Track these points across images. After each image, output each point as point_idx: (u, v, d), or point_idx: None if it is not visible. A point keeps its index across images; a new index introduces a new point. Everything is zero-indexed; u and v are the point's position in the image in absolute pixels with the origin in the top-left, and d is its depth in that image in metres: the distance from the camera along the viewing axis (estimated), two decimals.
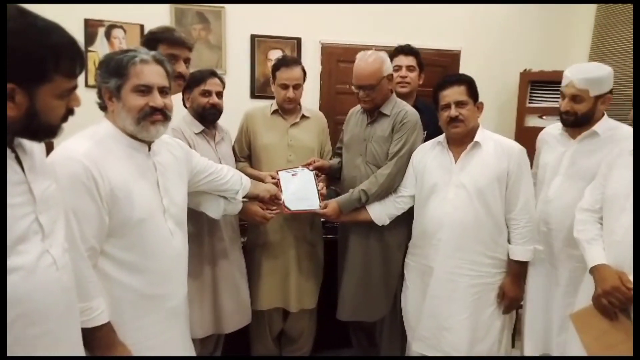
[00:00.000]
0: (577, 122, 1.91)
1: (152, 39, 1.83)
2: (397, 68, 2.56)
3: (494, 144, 1.89)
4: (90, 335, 1.23)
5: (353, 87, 2.22)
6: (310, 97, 3.88)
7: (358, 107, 2.38)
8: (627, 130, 1.85)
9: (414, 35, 3.91)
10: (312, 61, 3.85)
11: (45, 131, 0.96)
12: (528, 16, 4.08)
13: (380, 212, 2.10)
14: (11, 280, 0.90)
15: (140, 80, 1.35)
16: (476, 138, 1.89)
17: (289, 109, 2.39)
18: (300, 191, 2.19)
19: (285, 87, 2.31)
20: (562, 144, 1.98)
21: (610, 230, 1.61)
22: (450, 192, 1.87)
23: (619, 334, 1.54)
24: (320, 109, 3.88)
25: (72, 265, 1.17)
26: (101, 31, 3.45)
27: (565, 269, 1.91)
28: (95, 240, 1.27)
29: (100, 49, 3.43)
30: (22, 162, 0.96)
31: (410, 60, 2.57)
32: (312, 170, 2.26)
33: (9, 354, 0.89)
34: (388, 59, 2.22)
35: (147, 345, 1.38)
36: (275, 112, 2.41)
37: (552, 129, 2.06)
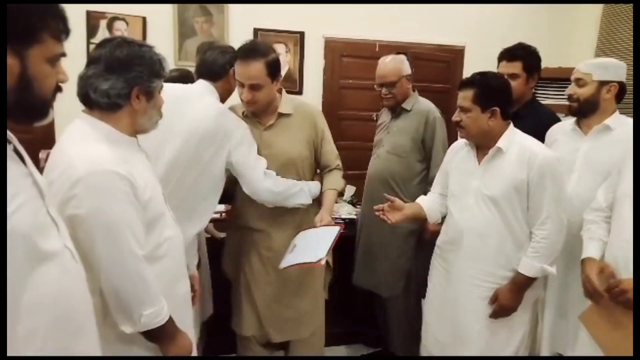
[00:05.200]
0: (581, 110, 1.88)
1: None
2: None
3: (518, 150, 1.74)
4: (157, 331, 1.27)
5: (376, 87, 2.42)
6: (313, 92, 3.87)
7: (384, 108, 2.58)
8: None
9: (418, 30, 3.90)
10: (315, 56, 3.83)
11: (39, 107, 0.93)
12: (533, 12, 4.05)
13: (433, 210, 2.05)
14: (47, 277, 0.88)
15: (162, 82, 1.37)
16: (499, 143, 1.76)
17: (250, 112, 1.98)
18: (311, 244, 1.84)
19: (241, 85, 1.90)
20: (575, 140, 1.94)
21: (619, 229, 1.60)
22: (471, 199, 1.81)
23: (627, 329, 1.52)
24: (323, 104, 3.87)
25: (135, 274, 1.21)
26: (103, 23, 3.43)
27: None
28: (144, 245, 1.27)
29: None
30: (21, 154, 0.95)
31: (513, 67, 2.21)
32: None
33: (45, 354, 0.88)
34: (407, 62, 2.39)
35: None
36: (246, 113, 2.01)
37: (563, 125, 2.03)
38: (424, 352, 2.05)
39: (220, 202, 2.03)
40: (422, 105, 2.41)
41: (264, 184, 1.92)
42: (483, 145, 1.81)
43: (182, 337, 1.35)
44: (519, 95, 2.20)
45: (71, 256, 0.99)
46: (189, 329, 1.48)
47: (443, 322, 1.92)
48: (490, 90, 1.75)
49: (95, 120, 1.27)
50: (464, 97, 1.77)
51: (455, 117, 1.80)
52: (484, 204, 1.77)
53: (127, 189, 1.21)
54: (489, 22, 3.96)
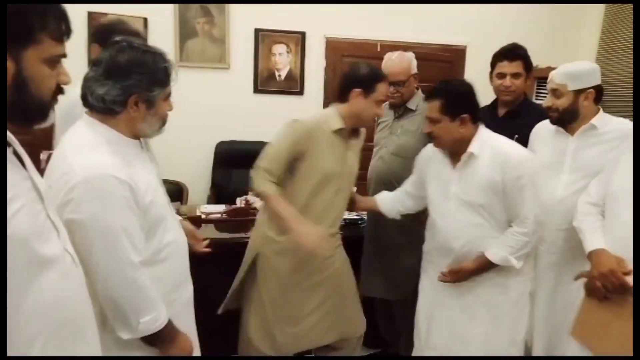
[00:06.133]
0: (560, 119, 1.88)
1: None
2: (500, 76, 2.24)
3: (491, 153, 1.74)
4: (156, 336, 1.26)
5: None
6: (314, 93, 3.87)
7: (386, 104, 2.44)
8: (631, 126, 1.81)
9: (420, 30, 3.89)
10: (316, 56, 3.83)
11: (37, 109, 0.90)
12: (536, 12, 4.04)
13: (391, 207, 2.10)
14: (47, 282, 0.87)
15: (170, 89, 1.33)
16: (471, 148, 1.76)
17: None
18: None
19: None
20: (561, 141, 1.93)
21: (611, 226, 1.59)
22: (451, 204, 1.82)
23: (623, 319, 1.50)
24: (325, 104, 3.87)
25: (131, 282, 1.19)
26: None
27: (573, 270, 1.90)
28: (143, 251, 1.26)
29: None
30: (22, 157, 0.94)
31: (515, 67, 2.21)
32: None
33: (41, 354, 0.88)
34: (415, 60, 2.33)
35: None
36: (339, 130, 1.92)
37: (546, 125, 2.01)
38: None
39: (220, 202, 2.01)
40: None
41: None
42: (456, 151, 1.80)
43: (182, 339, 1.34)
44: (520, 94, 2.26)
45: (71, 260, 0.98)
46: (192, 332, 1.47)
47: (438, 327, 1.91)
48: (456, 99, 1.75)
49: (96, 123, 1.25)
50: (432, 108, 1.76)
51: (426, 129, 1.81)
52: (465, 208, 1.78)
53: (126, 194, 1.19)
54: (491, 22, 3.95)
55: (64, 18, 0.92)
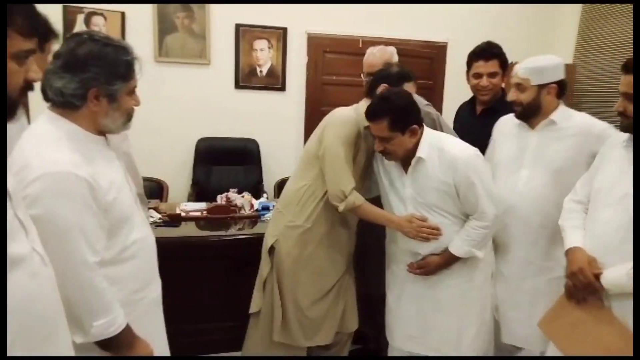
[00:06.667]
0: (524, 113, 1.91)
1: None
2: (477, 76, 2.24)
3: (438, 155, 1.77)
4: (111, 341, 1.22)
5: (363, 76, 2.32)
6: (296, 89, 3.85)
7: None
8: (600, 125, 1.85)
9: (401, 26, 3.90)
10: (298, 52, 3.81)
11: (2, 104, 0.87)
12: (516, 9, 4.09)
13: None
14: (14, 282, 0.84)
15: (135, 83, 1.29)
16: (419, 153, 1.78)
17: None
18: None
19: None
20: (522, 136, 1.97)
21: (591, 224, 1.61)
22: (410, 206, 1.85)
23: (592, 320, 1.52)
24: (307, 100, 3.86)
25: (85, 283, 1.15)
26: (80, 19, 3.35)
27: (537, 263, 1.94)
28: (102, 251, 1.22)
29: None
30: None
31: (492, 66, 2.21)
32: None
33: None
34: (396, 55, 2.33)
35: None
36: None
37: (509, 119, 2.04)
38: (395, 353, 2.08)
39: (201, 199, 1.99)
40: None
41: None
42: (409, 156, 1.82)
43: (140, 346, 1.28)
44: (497, 91, 2.28)
45: (40, 260, 0.95)
46: (159, 332, 1.45)
47: (411, 319, 1.96)
48: (402, 113, 1.74)
49: (58, 118, 1.21)
50: (380, 128, 1.74)
51: (378, 148, 1.81)
52: (423, 210, 1.82)
53: (84, 192, 1.16)
54: (472, 19, 3.98)
55: (32, 13, 0.90)
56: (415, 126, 1.76)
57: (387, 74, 1.96)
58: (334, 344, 2.16)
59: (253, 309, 2.08)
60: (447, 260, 1.84)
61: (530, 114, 1.90)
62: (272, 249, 2.01)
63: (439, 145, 1.79)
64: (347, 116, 1.93)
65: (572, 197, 1.74)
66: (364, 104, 1.92)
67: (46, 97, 1.22)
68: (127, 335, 1.25)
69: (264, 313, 2.05)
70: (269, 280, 2.03)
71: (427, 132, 1.84)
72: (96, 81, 1.20)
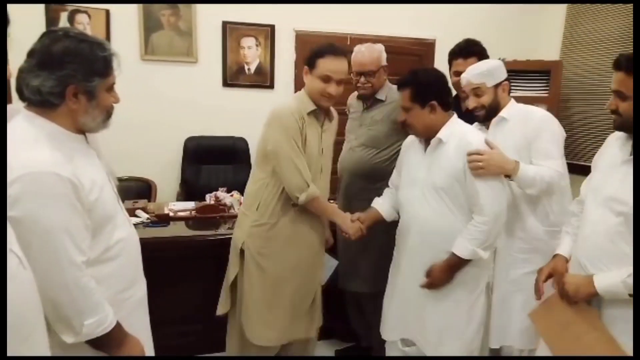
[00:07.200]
0: (489, 115, 1.99)
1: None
2: (457, 74, 2.23)
3: (458, 140, 1.80)
4: (102, 339, 1.21)
5: (352, 75, 2.32)
6: (284, 87, 3.83)
7: (354, 95, 2.49)
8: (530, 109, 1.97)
9: (389, 24, 3.90)
10: (286, 49, 3.79)
11: None
12: (503, 6, 4.11)
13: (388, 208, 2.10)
14: None
15: (114, 79, 1.28)
16: (439, 134, 1.82)
17: (326, 107, 2.02)
18: None
19: (327, 80, 1.92)
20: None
21: (582, 224, 1.62)
22: (417, 190, 1.87)
23: (582, 324, 1.53)
24: None
25: (73, 284, 1.14)
26: (64, 16, 3.28)
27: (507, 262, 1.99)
28: (87, 250, 1.21)
29: None
30: None
31: (470, 64, 2.18)
32: None
33: None
34: (384, 52, 2.35)
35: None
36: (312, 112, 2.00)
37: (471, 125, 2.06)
38: (391, 349, 2.08)
39: (190, 199, 1.98)
40: (397, 93, 2.37)
41: None
42: (428, 138, 1.87)
43: (131, 343, 1.29)
44: None
45: (18, 262, 0.93)
46: (145, 331, 1.44)
47: (395, 308, 1.98)
48: (425, 87, 1.81)
49: (35, 117, 1.19)
50: (403, 97, 1.84)
51: (400, 118, 1.89)
52: (430, 195, 1.83)
53: (67, 192, 1.14)
54: (460, 16, 3.99)
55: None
56: (434, 102, 1.80)
57: (307, 56, 1.98)
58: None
59: (220, 311, 2.10)
60: (452, 265, 1.79)
61: (492, 114, 1.99)
62: (242, 252, 2.01)
63: (461, 132, 1.83)
64: (285, 108, 1.93)
65: (578, 197, 1.76)
66: (303, 92, 1.98)
67: (22, 97, 1.19)
68: (117, 333, 1.24)
69: (238, 312, 2.06)
70: (240, 281, 2.03)
71: (456, 120, 1.87)
72: (73, 78, 1.17)
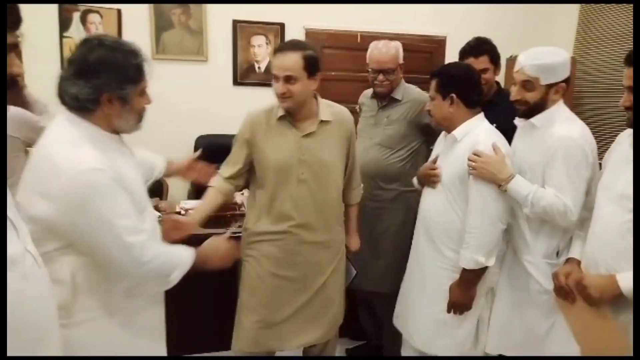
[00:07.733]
0: (531, 113, 1.78)
1: None
2: None
3: (471, 140, 1.76)
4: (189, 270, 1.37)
5: (370, 72, 2.30)
6: None
7: (367, 93, 2.47)
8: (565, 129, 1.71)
9: (400, 21, 3.88)
10: None
11: None
12: (514, 4, 4.06)
13: None
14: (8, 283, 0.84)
15: (146, 84, 1.34)
16: (454, 132, 1.81)
17: (285, 108, 1.88)
18: None
19: (276, 79, 1.86)
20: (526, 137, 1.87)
21: (593, 222, 1.60)
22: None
23: (603, 331, 1.53)
24: None
25: (145, 261, 1.25)
26: (76, 16, 3.33)
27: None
28: (142, 225, 1.31)
29: (75, 35, 3.31)
30: None
31: (482, 62, 2.16)
32: None
33: None
34: (401, 49, 2.32)
35: (137, 322, 1.38)
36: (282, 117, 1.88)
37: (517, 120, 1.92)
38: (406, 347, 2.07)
39: (201, 197, 1.99)
40: (414, 93, 2.34)
41: None
42: (449, 132, 1.87)
43: (213, 258, 1.48)
44: (491, 85, 2.25)
45: (33, 261, 0.94)
46: (159, 328, 1.49)
47: (400, 298, 2.03)
48: (448, 79, 1.82)
49: (76, 118, 1.26)
50: (431, 86, 1.87)
51: (427, 106, 1.91)
52: (438, 190, 1.84)
53: (113, 183, 1.22)
54: (471, 12, 3.96)
55: (11, 8, 0.89)
56: (453, 95, 1.79)
57: None
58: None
59: None
60: (464, 279, 1.77)
61: (535, 113, 1.78)
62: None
63: (477, 132, 1.78)
64: (248, 115, 1.98)
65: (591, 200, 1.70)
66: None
67: (63, 102, 1.27)
68: (198, 262, 1.41)
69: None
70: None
71: (480, 121, 1.83)
72: (108, 86, 1.24)
